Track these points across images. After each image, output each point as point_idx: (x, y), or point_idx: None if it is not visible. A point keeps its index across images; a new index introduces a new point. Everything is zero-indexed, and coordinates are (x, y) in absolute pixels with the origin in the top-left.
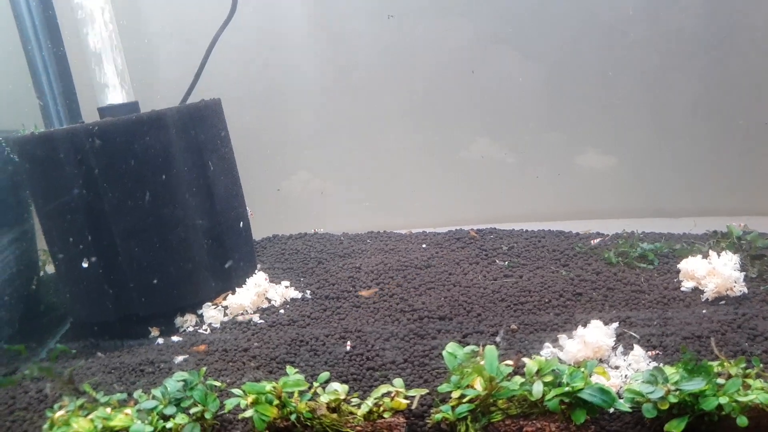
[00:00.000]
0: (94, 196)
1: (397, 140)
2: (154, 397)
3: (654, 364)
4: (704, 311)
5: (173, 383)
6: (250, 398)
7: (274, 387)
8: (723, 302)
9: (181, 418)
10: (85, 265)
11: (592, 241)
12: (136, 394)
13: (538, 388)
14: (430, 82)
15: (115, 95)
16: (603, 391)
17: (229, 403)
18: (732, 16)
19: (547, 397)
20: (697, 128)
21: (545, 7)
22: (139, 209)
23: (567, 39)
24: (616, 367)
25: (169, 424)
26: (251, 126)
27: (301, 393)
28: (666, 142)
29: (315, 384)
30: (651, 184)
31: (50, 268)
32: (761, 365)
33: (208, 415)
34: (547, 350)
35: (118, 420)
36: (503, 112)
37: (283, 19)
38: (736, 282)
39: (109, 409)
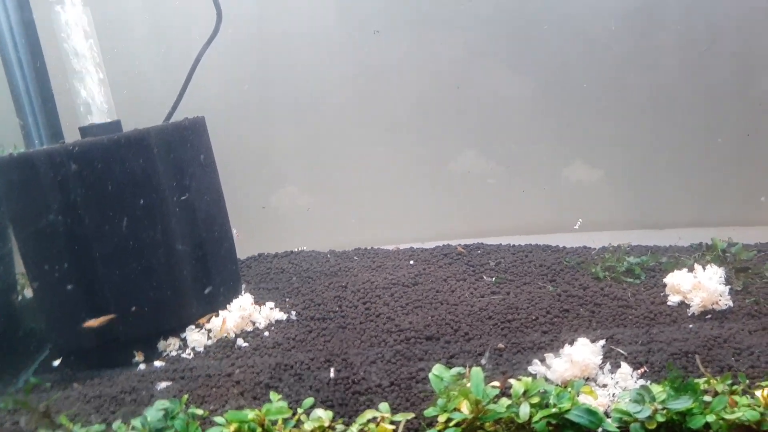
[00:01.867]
0: (73, 218)
1: (383, 155)
2: (133, 428)
3: (642, 381)
4: (691, 326)
5: (154, 413)
6: (232, 427)
7: (256, 415)
8: (709, 316)
9: None
10: (67, 288)
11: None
12: (115, 425)
13: (524, 410)
14: (417, 96)
15: (97, 114)
16: (590, 412)
17: None
18: (714, 30)
19: (534, 419)
20: (681, 140)
21: (531, 22)
22: (119, 232)
23: (553, 52)
24: (604, 386)
25: None
26: (236, 142)
27: (285, 420)
28: (651, 154)
29: (299, 410)
30: (637, 196)
31: (29, 292)
32: (747, 381)
33: None
34: (535, 369)
35: None
36: (490, 125)
37: (268, 34)
38: (721, 296)
39: None
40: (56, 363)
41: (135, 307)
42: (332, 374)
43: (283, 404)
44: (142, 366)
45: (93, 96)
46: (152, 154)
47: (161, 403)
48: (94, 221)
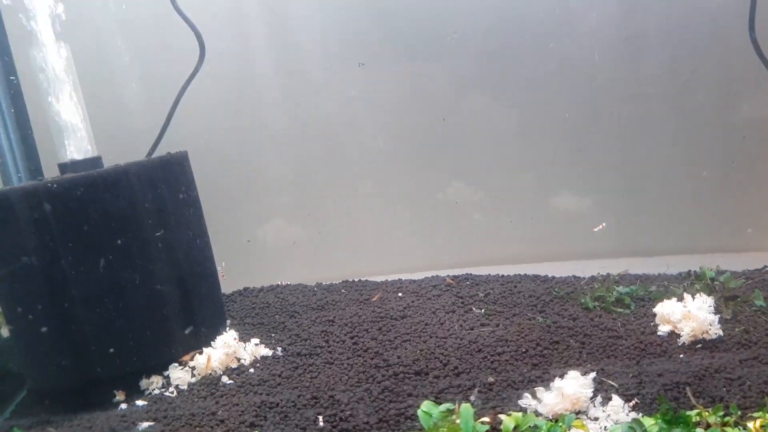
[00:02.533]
0: (51, 258)
1: (370, 186)
2: None
3: (633, 414)
4: (681, 356)
5: None
6: None
7: None
8: (699, 346)
9: None
10: (43, 329)
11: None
12: None
13: None
14: (403, 128)
15: (77, 151)
16: None
17: None
18: (696, 59)
19: None
20: (668, 168)
21: (516, 54)
22: (98, 272)
23: (539, 84)
24: (595, 419)
25: None
26: (221, 176)
27: None
28: (638, 183)
29: None
30: (625, 224)
31: (5, 332)
32: (739, 412)
33: None
34: (526, 403)
35: None
36: (477, 156)
37: (252, 67)
38: (711, 325)
39: None
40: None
41: (113, 348)
42: (321, 423)
43: None
44: (123, 405)
45: (73, 132)
46: (133, 191)
47: None
48: (72, 261)
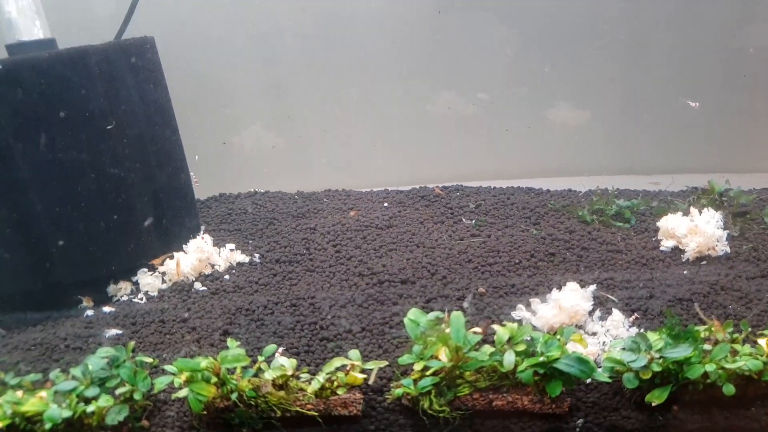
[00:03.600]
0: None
1: (357, 92)
2: (73, 377)
3: (634, 329)
4: (685, 272)
5: (96, 361)
6: (184, 376)
7: (211, 363)
8: (704, 262)
9: (104, 400)
10: None
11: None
12: (52, 375)
13: (509, 359)
14: (393, 27)
15: (28, 31)
16: (581, 360)
17: (159, 382)
18: None
19: (520, 368)
20: (672, 83)
21: None
22: (54, 159)
23: None
24: (593, 334)
25: (90, 408)
26: (193, 73)
27: (244, 369)
28: (641, 97)
29: (259, 358)
30: (624, 140)
31: None
32: (749, 329)
33: (137, 396)
34: (519, 315)
35: (30, 404)
36: (470, 63)
37: None
38: (718, 241)
39: (20, 393)
40: None
41: (73, 247)
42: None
43: (241, 351)
44: (89, 312)
45: (22, 13)
46: (92, 73)
47: (105, 351)
48: (24, 149)
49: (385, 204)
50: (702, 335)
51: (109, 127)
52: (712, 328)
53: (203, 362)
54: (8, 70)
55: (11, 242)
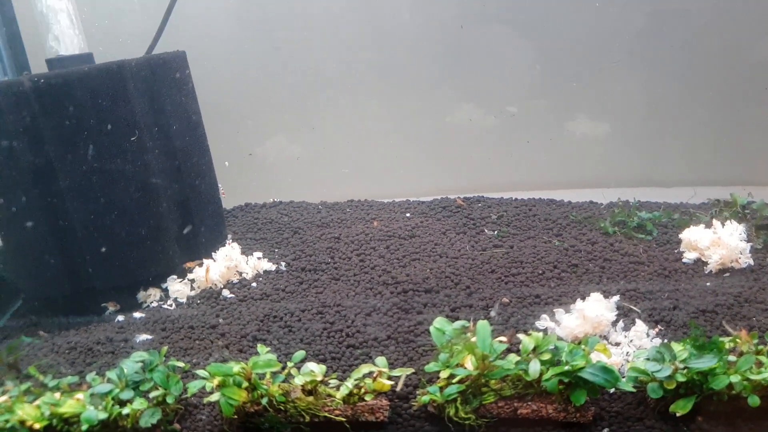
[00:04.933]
0: (40, 155)
1: (379, 104)
2: (109, 380)
3: (657, 340)
4: (708, 284)
5: (131, 364)
6: (216, 380)
7: (242, 368)
8: (728, 274)
9: (139, 403)
10: (30, 225)
11: None
12: (89, 377)
13: (535, 367)
14: (416, 40)
15: (66, 47)
16: (606, 369)
17: (192, 386)
18: None
19: (545, 376)
20: (692, 95)
21: None
22: (91, 170)
23: (560, 0)
24: (617, 344)
25: (125, 410)
26: (221, 86)
27: (274, 374)
28: (660, 109)
29: (289, 364)
30: (645, 152)
31: None
32: None
33: (169, 399)
34: (543, 325)
35: (68, 406)
36: (491, 75)
37: None
38: (741, 253)
39: (58, 394)
40: None
41: (107, 253)
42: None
43: (272, 357)
44: (120, 318)
45: (62, 29)
46: (128, 87)
47: (139, 355)
48: (62, 159)
49: (408, 214)
50: (727, 346)
51: (133, 139)
52: (737, 340)
53: (235, 367)
54: (49, 84)
55: (53, 249)
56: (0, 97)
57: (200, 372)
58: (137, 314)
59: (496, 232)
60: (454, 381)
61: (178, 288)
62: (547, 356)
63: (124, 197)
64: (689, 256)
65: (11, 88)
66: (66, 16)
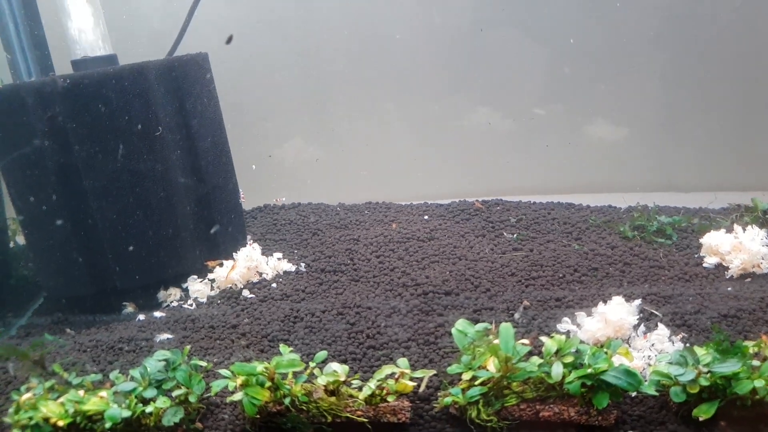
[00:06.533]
0: (65, 155)
1: (397, 107)
2: (132, 379)
3: (679, 344)
4: (729, 288)
5: (154, 363)
6: (240, 380)
7: (266, 367)
8: (749, 279)
9: (162, 402)
10: (59, 230)
11: None
12: (112, 375)
13: (557, 370)
14: (434, 43)
15: (91, 47)
16: (629, 373)
17: (216, 385)
18: None
19: (568, 379)
20: (712, 100)
21: None
22: (115, 170)
23: (579, 5)
24: (639, 349)
25: (149, 408)
26: (242, 89)
27: (296, 374)
28: (679, 114)
29: (311, 364)
30: (664, 156)
31: (21, 239)
32: None
33: (192, 398)
34: (565, 328)
35: (92, 403)
36: (510, 79)
37: None
38: (763, 258)
39: (81, 392)
40: None
41: (134, 250)
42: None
43: (295, 357)
44: (141, 316)
45: (86, 30)
46: (151, 88)
47: (162, 354)
48: (86, 159)
49: (426, 217)
50: (750, 351)
51: (157, 135)
52: (761, 344)
53: (259, 366)
54: (74, 85)
55: (77, 248)
56: (28, 97)
57: (223, 371)
58: (158, 313)
59: (515, 235)
60: (476, 383)
61: (198, 288)
62: (569, 359)
63: (148, 197)
64: (710, 260)
65: (40, 88)
66: (90, 16)
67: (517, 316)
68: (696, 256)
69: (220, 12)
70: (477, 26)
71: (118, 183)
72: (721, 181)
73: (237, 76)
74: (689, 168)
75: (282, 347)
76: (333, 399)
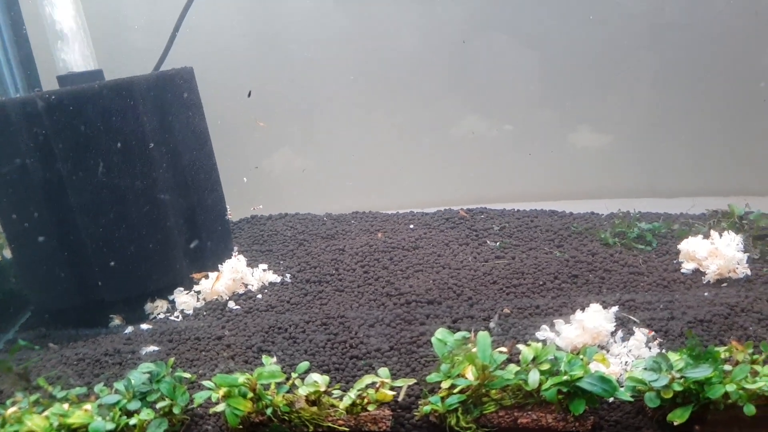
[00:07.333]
0: (51, 171)
1: (383, 117)
2: (116, 391)
3: (656, 350)
4: (706, 294)
5: (138, 375)
6: (222, 391)
7: (247, 379)
8: (725, 285)
9: (146, 414)
10: (44, 245)
11: None
12: (96, 388)
13: (534, 377)
14: (419, 54)
15: (77, 63)
16: (604, 379)
17: (198, 397)
18: None
19: (544, 386)
20: (693, 107)
21: None
22: (101, 185)
23: (560, 14)
24: (617, 355)
25: (132, 421)
26: (227, 101)
27: (278, 385)
28: (661, 121)
29: (293, 375)
30: (645, 163)
31: (8, 252)
32: None
33: (176, 410)
34: (543, 335)
35: (76, 417)
36: (493, 87)
37: None
38: (739, 263)
39: (66, 405)
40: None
41: (116, 267)
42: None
43: (277, 368)
44: (129, 329)
45: (73, 48)
46: (136, 103)
47: (146, 366)
48: (72, 174)
49: (411, 226)
50: (722, 356)
51: (143, 149)
52: (732, 350)
53: (241, 378)
54: (60, 100)
55: (63, 262)
56: (13, 114)
57: (206, 383)
58: (145, 326)
59: (498, 243)
60: (455, 391)
61: (184, 300)
62: (546, 366)
63: (133, 212)
64: (687, 266)
65: (24, 105)
66: (76, 32)
67: (492, 324)
68: (674, 262)
69: (205, 24)
70: (461, 36)
71: (104, 197)
72: (702, 186)
73: (225, 87)
74: (671, 174)
75: (265, 358)
76: (314, 409)
